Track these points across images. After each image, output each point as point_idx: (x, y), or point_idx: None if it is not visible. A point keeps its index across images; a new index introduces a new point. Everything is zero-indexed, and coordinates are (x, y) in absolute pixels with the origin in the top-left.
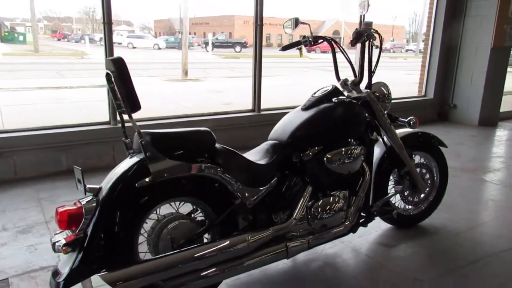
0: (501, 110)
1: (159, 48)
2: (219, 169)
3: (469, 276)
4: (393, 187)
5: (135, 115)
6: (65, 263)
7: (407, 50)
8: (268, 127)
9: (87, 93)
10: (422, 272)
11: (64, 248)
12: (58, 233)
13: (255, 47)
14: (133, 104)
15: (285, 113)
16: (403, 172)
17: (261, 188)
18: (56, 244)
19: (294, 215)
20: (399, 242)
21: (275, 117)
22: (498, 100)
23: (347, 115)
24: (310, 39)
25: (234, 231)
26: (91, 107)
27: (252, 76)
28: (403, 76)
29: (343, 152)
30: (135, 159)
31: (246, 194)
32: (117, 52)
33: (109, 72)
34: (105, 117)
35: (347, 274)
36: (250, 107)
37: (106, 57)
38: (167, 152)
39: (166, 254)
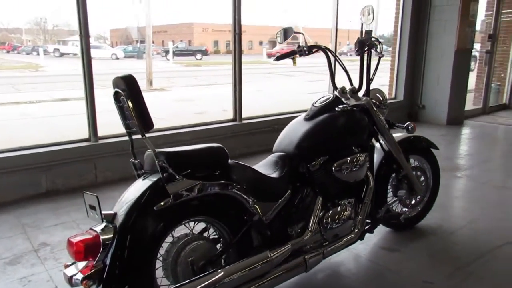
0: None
1: (117, 58)
2: (235, 185)
3: (476, 273)
4: (392, 191)
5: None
6: None
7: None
8: (251, 137)
9: (49, 107)
10: (428, 274)
11: (85, 282)
12: (70, 265)
13: (234, 56)
14: (146, 123)
15: (268, 121)
16: (401, 176)
17: (276, 202)
18: (74, 278)
19: (310, 227)
20: (399, 245)
21: (257, 125)
22: (463, 100)
23: (351, 123)
24: (305, 48)
25: (251, 248)
26: (58, 122)
27: (232, 85)
28: None
29: (348, 161)
30: (149, 181)
31: (263, 209)
32: (73, 63)
33: (119, 90)
34: (75, 132)
35: (355, 280)
36: (228, 116)
37: (83, 70)
38: (183, 171)
39: (192, 279)
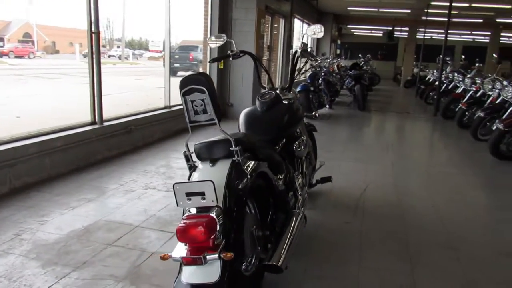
0: None
1: None
2: (265, 163)
3: (364, 210)
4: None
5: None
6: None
7: (109, 56)
8: (111, 139)
9: None
10: (343, 217)
11: (225, 254)
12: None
13: (92, 56)
14: (220, 115)
15: (125, 123)
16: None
17: (283, 173)
18: (208, 257)
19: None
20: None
21: (116, 128)
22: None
23: (298, 112)
24: (238, 52)
25: (284, 212)
26: None
27: (89, 87)
28: (139, 82)
29: (303, 141)
30: (224, 165)
31: (281, 179)
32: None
33: (196, 87)
34: None
35: None
36: (85, 119)
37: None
38: (245, 154)
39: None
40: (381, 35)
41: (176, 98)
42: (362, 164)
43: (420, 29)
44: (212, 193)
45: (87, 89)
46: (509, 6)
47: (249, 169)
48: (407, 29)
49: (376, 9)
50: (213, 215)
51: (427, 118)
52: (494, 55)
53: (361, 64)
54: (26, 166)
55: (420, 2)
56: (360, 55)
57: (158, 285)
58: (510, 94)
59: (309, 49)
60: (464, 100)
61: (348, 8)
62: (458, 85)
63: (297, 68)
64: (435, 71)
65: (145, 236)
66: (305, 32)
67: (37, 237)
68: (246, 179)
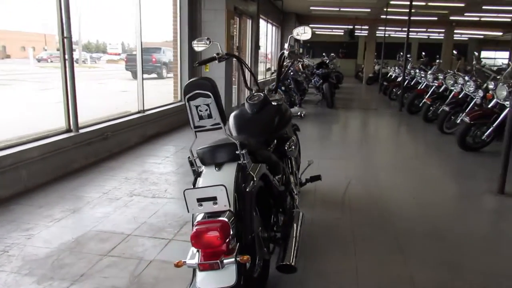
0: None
1: None
2: (265, 165)
3: (349, 205)
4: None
5: None
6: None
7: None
8: (90, 146)
9: None
10: (332, 214)
11: (241, 257)
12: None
13: (64, 60)
14: (225, 119)
15: (100, 129)
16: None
17: (280, 174)
18: (225, 261)
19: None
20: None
21: (96, 134)
22: (231, 99)
23: (287, 112)
24: (224, 55)
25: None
26: None
27: (63, 92)
28: (101, 86)
29: (293, 141)
30: (231, 169)
31: (279, 180)
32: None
33: (202, 92)
34: None
35: None
36: (53, 127)
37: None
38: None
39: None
40: (342, 33)
41: (149, 103)
42: (340, 160)
43: (380, 28)
44: (225, 198)
45: (49, 96)
46: (463, 5)
47: (254, 171)
48: (367, 27)
49: (338, 9)
50: (226, 219)
51: (394, 113)
52: (454, 51)
53: (327, 62)
54: (1, 179)
55: (380, 2)
56: (324, 53)
57: None
58: (472, 88)
59: (295, 51)
60: (428, 96)
61: (311, 8)
62: (420, 81)
63: (282, 69)
64: (396, 68)
65: (140, 244)
66: (291, 34)
67: (26, 252)
68: (252, 181)
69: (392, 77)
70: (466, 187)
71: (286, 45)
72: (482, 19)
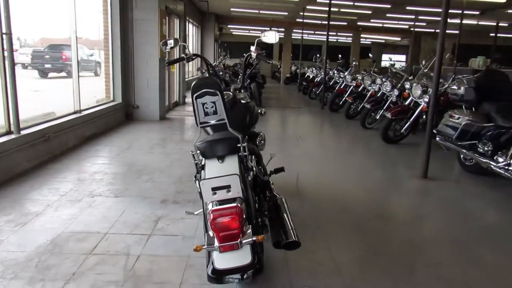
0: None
1: None
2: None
3: (302, 195)
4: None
5: None
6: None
7: None
8: (32, 148)
9: None
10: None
11: (261, 237)
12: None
13: (3, 58)
14: (229, 115)
15: (46, 129)
16: None
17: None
18: (244, 241)
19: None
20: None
21: (38, 135)
22: (165, 99)
23: (255, 109)
24: (192, 55)
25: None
26: None
27: (2, 92)
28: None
29: (262, 137)
30: (233, 161)
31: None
32: None
33: (210, 90)
34: None
35: None
36: None
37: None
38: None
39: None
40: (258, 34)
41: (84, 103)
42: (282, 155)
43: (295, 30)
44: (238, 186)
45: None
46: (370, 12)
47: (252, 162)
48: (283, 29)
49: (257, 11)
50: (239, 204)
51: (317, 111)
52: (370, 54)
53: (253, 62)
54: None
55: (297, 6)
56: (244, 54)
57: (162, 282)
58: (388, 88)
59: (263, 53)
60: (348, 95)
61: (231, 9)
62: (338, 81)
63: (249, 68)
64: (313, 68)
65: (121, 241)
66: (259, 38)
67: (2, 257)
68: (252, 171)
69: (310, 77)
70: (396, 174)
71: (252, 48)
72: (385, 25)
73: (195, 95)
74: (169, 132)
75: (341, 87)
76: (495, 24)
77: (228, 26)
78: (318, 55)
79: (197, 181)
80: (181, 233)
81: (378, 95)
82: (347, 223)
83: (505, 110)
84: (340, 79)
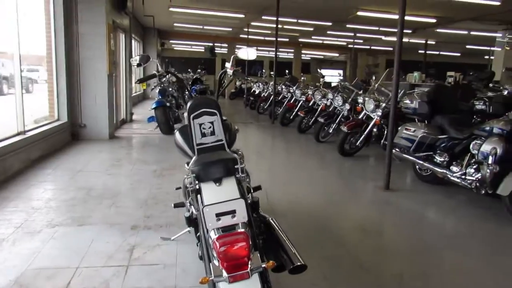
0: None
1: None
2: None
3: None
4: None
5: None
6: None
7: None
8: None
9: None
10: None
11: (271, 263)
12: (232, 274)
13: None
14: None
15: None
16: None
17: None
18: (253, 269)
19: None
20: None
21: None
22: (113, 116)
23: (233, 127)
24: (164, 72)
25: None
26: None
27: None
28: None
29: (242, 153)
30: (234, 184)
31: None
32: None
33: (208, 110)
34: None
35: None
36: None
37: None
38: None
39: None
40: (201, 50)
41: (29, 122)
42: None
43: (238, 46)
44: (244, 210)
45: None
46: (312, 29)
47: (249, 184)
48: (226, 45)
49: (201, 26)
50: (244, 230)
51: (268, 126)
52: (319, 70)
53: (201, 78)
54: None
55: (241, 22)
56: (189, 69)
57: None
58: (340, 103)
59: (238, 69)
60: (299, 109)
61: (175, 24)
62: (286, 96)
63: (222, 86)
64: (260, 83)
65: (97, 275)
66: (235, 54)
67: None
68: (250, 193)
69: (256, 92)
70: (360, 186)
71: (227, 64)
72: (325, 41)
73: (192, 115)
74: (123, 152)
75: (291, 101)
76: (424, 42)
77: (170, 41)
78: (264, 70)
79: (190, 206)
80: (161, 261)
81: (330, 109)
82: (326, 238)
83: (457, 124)
84: (288, 94)
